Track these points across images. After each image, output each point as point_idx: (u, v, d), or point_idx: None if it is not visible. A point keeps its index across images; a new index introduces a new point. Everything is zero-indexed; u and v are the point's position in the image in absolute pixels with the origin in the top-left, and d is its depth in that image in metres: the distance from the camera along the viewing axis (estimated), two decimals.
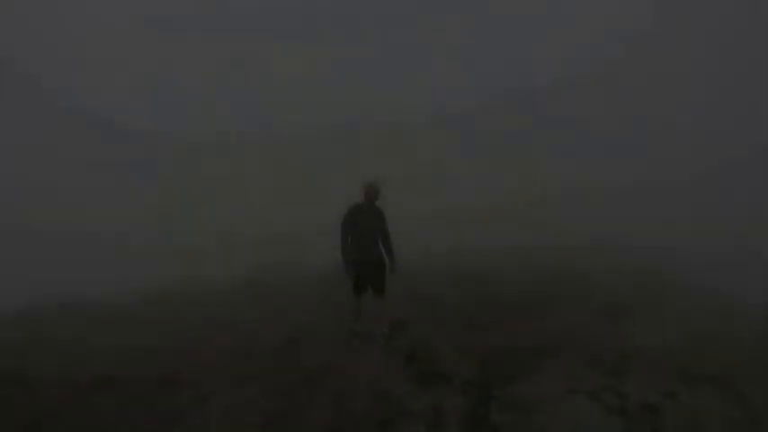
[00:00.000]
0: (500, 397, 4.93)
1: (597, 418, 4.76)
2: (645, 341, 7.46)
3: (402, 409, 4.76)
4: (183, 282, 18.48)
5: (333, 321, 6.71)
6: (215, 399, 6.05)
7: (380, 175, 6.16)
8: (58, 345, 13.56)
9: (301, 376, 5.58)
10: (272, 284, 15.32)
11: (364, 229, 5.81)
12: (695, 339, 8.50)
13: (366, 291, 5.98)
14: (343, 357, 5.72)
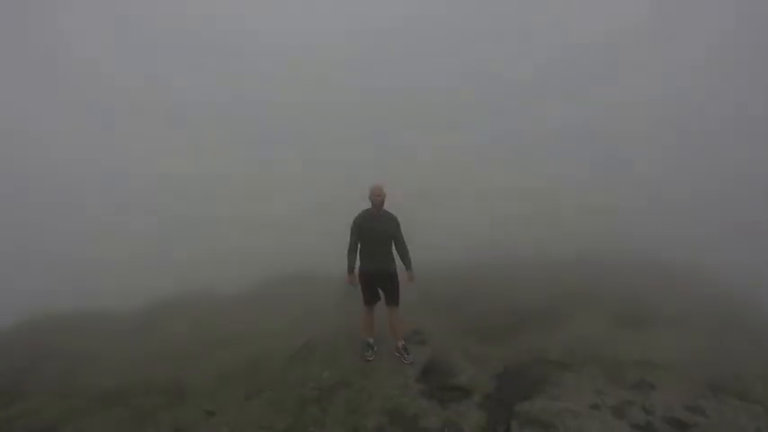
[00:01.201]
0: (520, 412, 4.70)
1: None
2: (669, 353, 7.23)
3: (418, 426, 4.55)
4: (194, 293, 18.31)
5: (346, 333, 6.49)
6: (223, 413, 5.86)
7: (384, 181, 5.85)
8: (64, 356, 13.49)
9: (312, 390, 5.37)
10: (284, 296, 15.02)
11: (374, 236, 5.55)
12: (720, 351, 8.24)
13: (377, 301, 5.75)
14: (357, 371, 5.50)
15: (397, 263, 5.67)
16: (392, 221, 5.66)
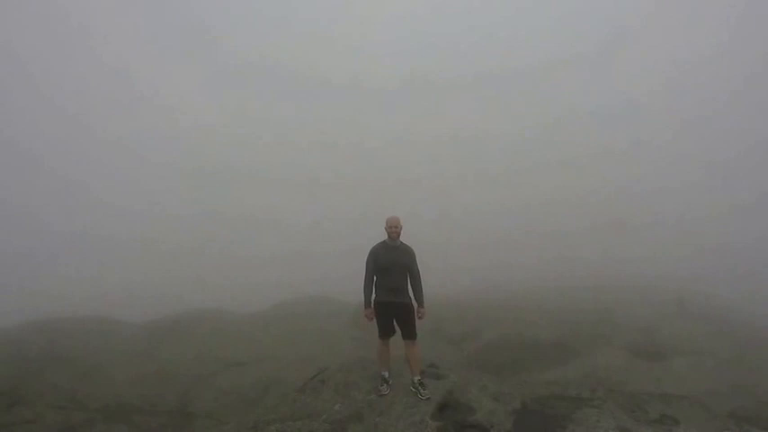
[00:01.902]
0: None
1: None
2: (688, 384, 7.01)
3: None
4: (210, 310, 18.04)
5: (360, 364, 6.29)
6: None
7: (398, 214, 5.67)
8: (69, 362, 13.34)
9: (323, 425, 5.18)
10: (300, 319, 14.66)
11: (390, 268, 5.40)
12: (739, 380, 8.00)
13: (392, 333, 5.58)
14: (370, 405, 5.30)
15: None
16: (408, 254, 5.53)
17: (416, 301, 5.49)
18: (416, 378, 5.44)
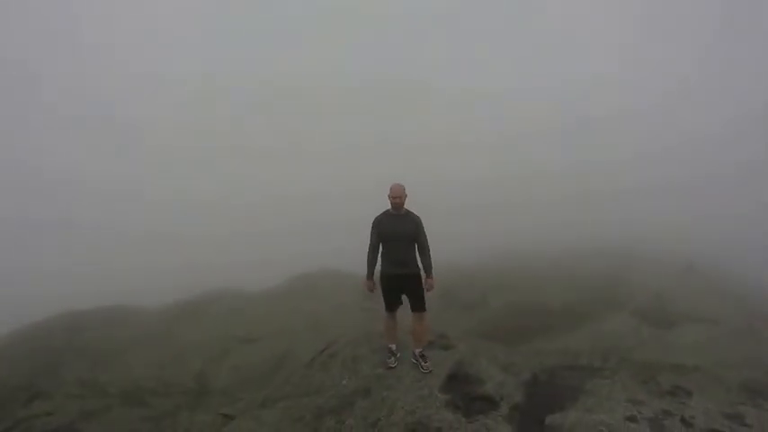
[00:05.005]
0: (552, 425, 4.45)
1: None
2: (699, 354, 6.90)
3: None
4: (224, 290, 18.29)
5: (368, 337, 6.25)
6: (239, 421, 5.70)
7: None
8: (90, 352, 13.63)
9: (330, 400, 5.17)
10: (310, 293, 14.76)
11: (394, 238, 5.18)
12: (750, 350, 7.87)
13: (399, 306, 5.46)
14: (378, 379, 5.27)
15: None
16: (413, 222, 5.23)
17: (424, 269, 5.25)
18: (417, 350, 5.33)
